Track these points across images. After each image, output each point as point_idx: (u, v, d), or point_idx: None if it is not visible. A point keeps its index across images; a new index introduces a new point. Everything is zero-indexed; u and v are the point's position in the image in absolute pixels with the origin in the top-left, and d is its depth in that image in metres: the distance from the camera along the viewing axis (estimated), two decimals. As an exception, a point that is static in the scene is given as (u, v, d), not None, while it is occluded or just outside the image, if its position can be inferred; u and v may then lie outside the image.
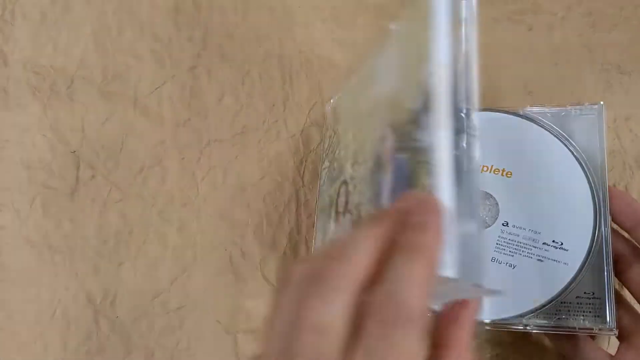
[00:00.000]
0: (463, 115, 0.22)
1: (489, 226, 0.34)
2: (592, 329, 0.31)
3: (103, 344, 0.36)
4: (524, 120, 0.35)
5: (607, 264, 0.31)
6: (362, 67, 0.32)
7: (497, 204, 0.34)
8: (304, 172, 0.40)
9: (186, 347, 0.37)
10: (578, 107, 0.34)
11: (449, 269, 0.20)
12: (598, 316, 0.31)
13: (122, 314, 0.37)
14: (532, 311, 0.32)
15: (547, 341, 0.35)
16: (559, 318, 0.31)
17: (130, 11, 0.43)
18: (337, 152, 0.34)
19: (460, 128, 0.22)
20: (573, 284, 0.32)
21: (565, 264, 0.32)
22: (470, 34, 0.23)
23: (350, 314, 0.17)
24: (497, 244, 0.34)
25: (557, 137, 0.35)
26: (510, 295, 0.32)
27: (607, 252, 0.31)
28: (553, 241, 0.33)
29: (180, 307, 0.37)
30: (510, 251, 0.33)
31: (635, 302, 0.31)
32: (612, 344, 0.35)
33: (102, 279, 0.38)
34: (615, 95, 0.41)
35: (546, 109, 0.35)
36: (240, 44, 0.42)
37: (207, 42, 0.42)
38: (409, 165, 0.23)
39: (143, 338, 0.37)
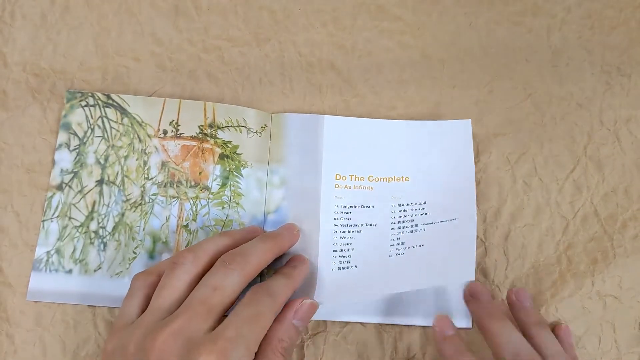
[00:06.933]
0: None
1: None
2: None
3: (101, 347, 0.36)
4: None
5: None
6: None
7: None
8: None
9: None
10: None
11: None
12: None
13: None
14: None
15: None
16: None
17: (130, 13, 0.43)
18: None
19: None
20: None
21: None
22: None
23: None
24: None
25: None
26: None
27: None
28: None
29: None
30: None
31: None
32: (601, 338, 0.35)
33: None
34: (615, 97, 0.41)
35: None
36: (240, 46, 0.42)
37: (207, 44, 0.42)
38: None
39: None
